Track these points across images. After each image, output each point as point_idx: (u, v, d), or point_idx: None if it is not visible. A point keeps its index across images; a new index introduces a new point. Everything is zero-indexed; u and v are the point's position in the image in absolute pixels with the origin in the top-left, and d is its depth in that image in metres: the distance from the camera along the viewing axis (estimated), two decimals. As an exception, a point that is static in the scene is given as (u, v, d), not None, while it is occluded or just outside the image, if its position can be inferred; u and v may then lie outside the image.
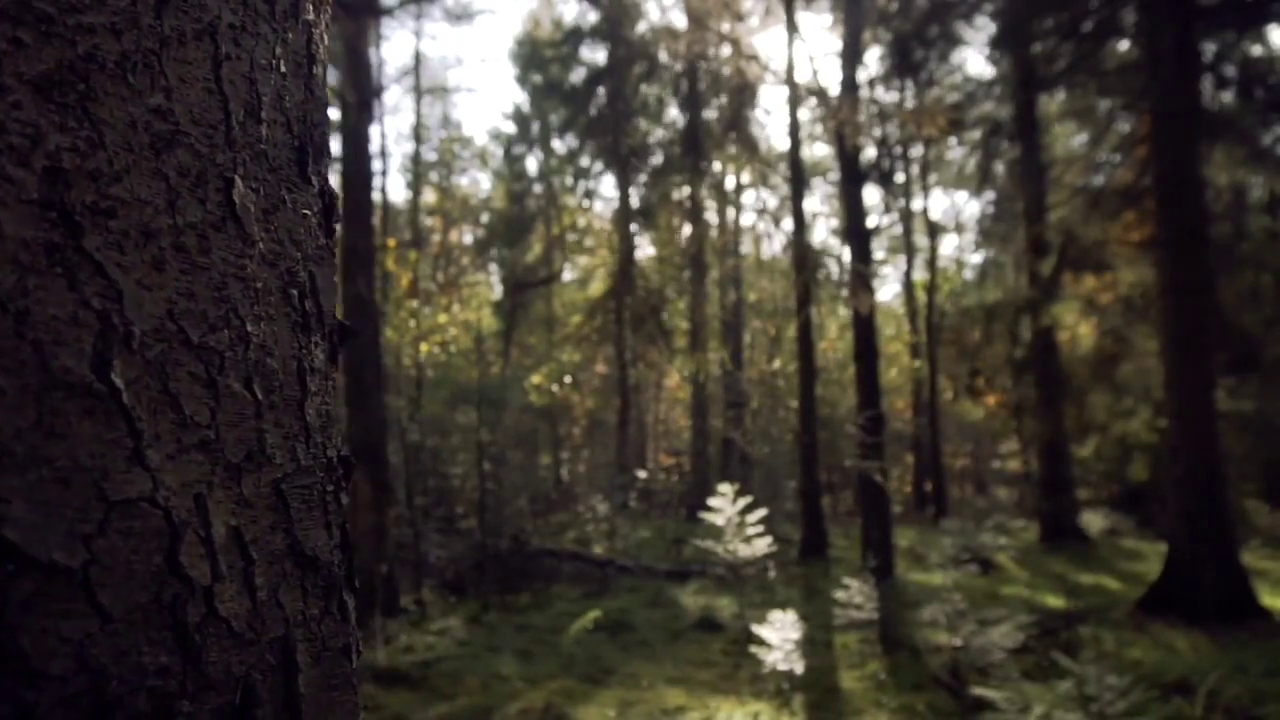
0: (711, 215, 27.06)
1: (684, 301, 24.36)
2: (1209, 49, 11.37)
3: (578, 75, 22.39)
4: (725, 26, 14.02)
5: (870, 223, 17.79)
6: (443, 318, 19.45)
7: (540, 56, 25.37)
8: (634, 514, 17.84)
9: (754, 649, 7.66)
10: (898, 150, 20.15)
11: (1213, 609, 8.98)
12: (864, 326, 12.87)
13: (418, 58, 31.56)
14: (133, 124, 0.56)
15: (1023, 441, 21.17)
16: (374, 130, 16.55)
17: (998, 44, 14.65)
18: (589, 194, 28.02)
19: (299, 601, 0.67)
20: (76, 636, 0.49)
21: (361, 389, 10.57)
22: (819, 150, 25.99)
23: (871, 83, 15.65)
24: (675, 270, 23.43)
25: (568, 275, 30.23)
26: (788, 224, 22.16)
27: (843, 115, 12.08)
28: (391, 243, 20.21)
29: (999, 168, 17.09)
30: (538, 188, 28.99)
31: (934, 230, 25.86)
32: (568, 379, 24.10)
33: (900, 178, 23.99)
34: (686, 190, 21.05)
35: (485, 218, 31.80)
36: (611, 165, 22.40)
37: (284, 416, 0.67)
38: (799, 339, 14.98)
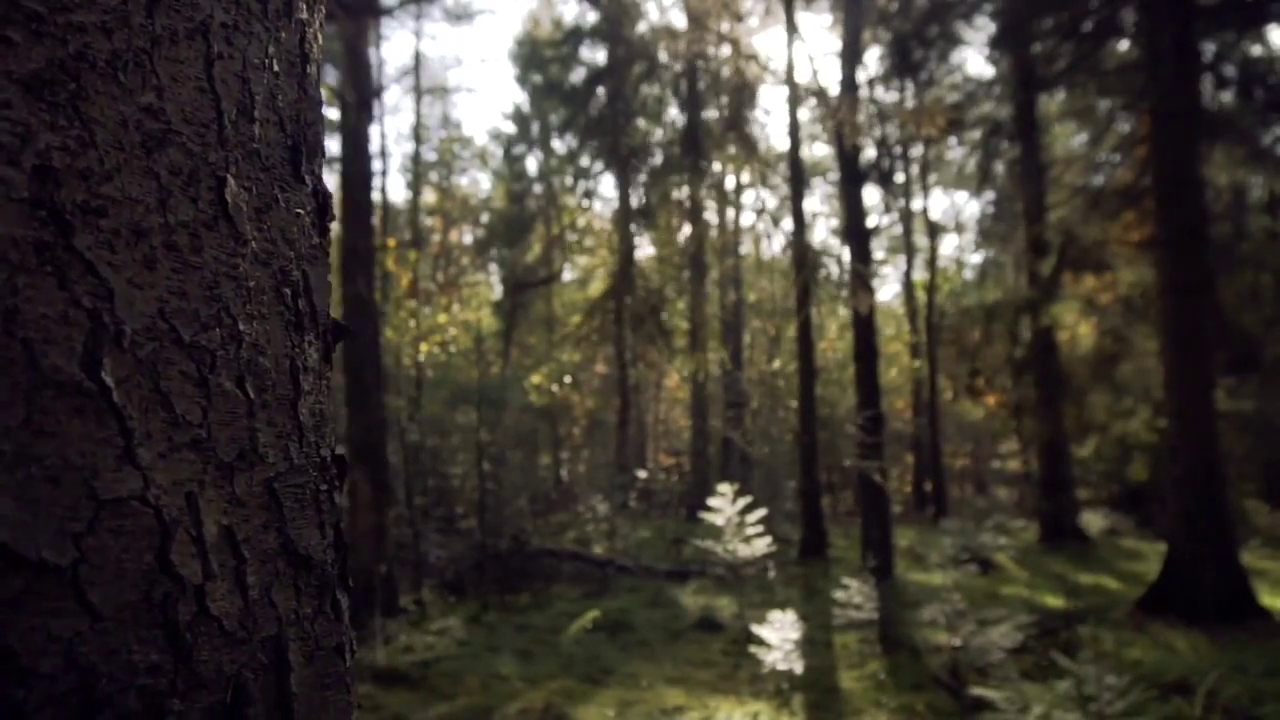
0: (711, 215, 27.07)
1: (684, 301, 24.36)
2: (1209, 49, 11.37)
3: (578, 75, 22.39)
4: (725, 27, 14.02)
5: (870, 223, 17.80)
6: (442, 318, 19.45)
7: (540, 56, 25.37)
8: (634, 514, 17.84)
9: (753, 649, 7.66)
10: (897, 150, 20.15)
11: (1212, 609, 8.98)
12: (864, 326, 12.87)
13: (418, 58, 31.58)
14: (124, 123, 0.56)
15: (1022, 441, 21.17)
16: (374, 130, 16.56)
17: (997, 44, 14.65)
18: (589, 194, 28.03)
19: (292, 600, 0.67)
20: (66, 635, 0.49)
21: (361, 389, 10.57)
22: (819, 150, 26.02)
23: (871, 83, 15.65)
24: (675, 270, 23.42)
25: (568, 275, 30.23)
26: (787, 224, 22.16)
27: (842, 115, 12.08)
28: (391, 243, 20.21)
29: (999, 168, 17.09)
30: (538, 188, 29.00)
31: (934, 230, 25.87)
32: (568, 379, 24.10)
33: (900, 178, 24.01)
34: (686, 190, 21.04)
35: (485, 218, 31.81)
36: (611, 165, 22.38)
37: (277, 415, 0.67)
38: (799, 339, 14.98)
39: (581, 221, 28.35)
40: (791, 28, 13.82)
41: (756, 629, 7.73)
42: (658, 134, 21.39)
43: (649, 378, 30.09)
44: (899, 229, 27.62)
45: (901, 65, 14.12)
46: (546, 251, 29.09)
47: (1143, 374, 15.72)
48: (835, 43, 26.61)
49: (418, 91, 25.66)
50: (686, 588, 11.76)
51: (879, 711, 6.72)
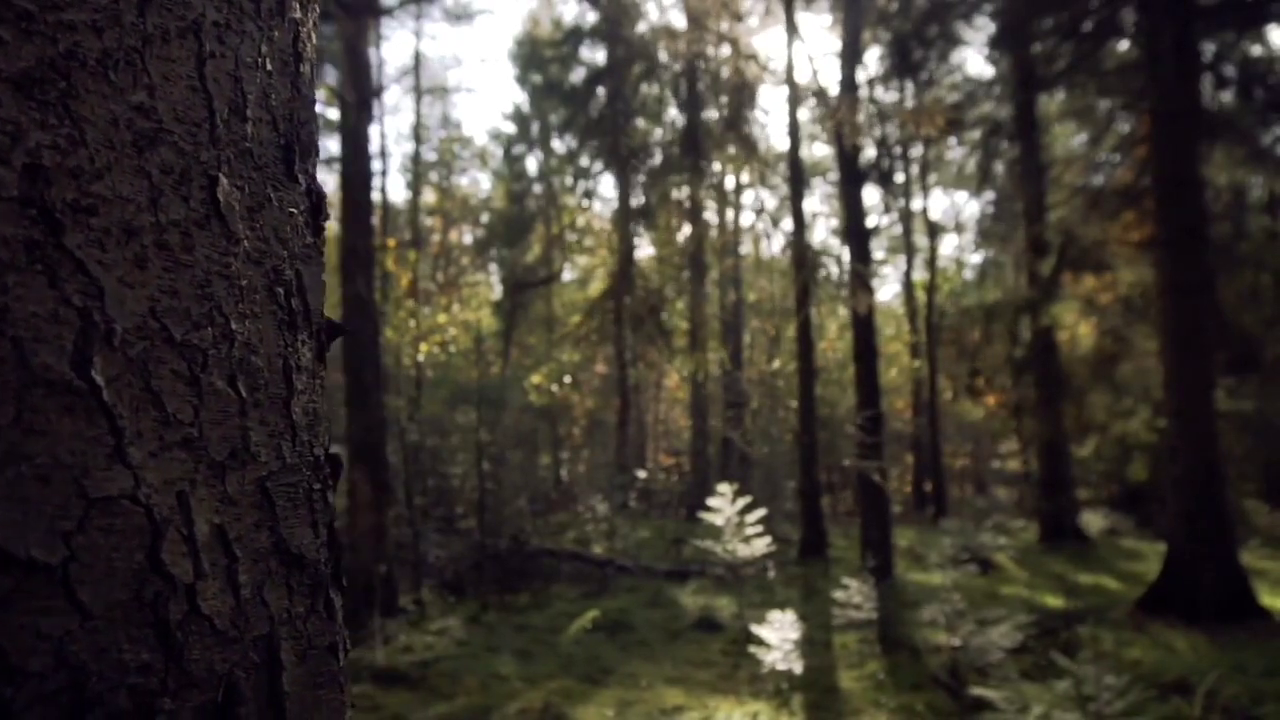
0: (711, 215, 27.07)
1: (683, 301, 24.36)
2: (1208, 49, 11.37)
3: (577, 75, 22.39)
4: (724, 26, 14.02)
5: (870, 223, 17.81)
6: (442, 318, 19.44)
7: (540, 56, 25.38)
8: (633, 514, 17.84)
9: (753, 649, 7.66)
10: (897, 150, 20.15)
11: (1212, 609, 8.98)
12: (863, 326, 12.87)
13: (417, 58, 31.58)
14: (114, 121, 0.56)
15: (1022, 441, 21.17)
16: (374, 130, 16.55)
17: (997, 44, 14.65)
18: (589, 194, 28.05)
19: (284, 599, 0.67)
20: (56, 633, 0.49)
21: (361, 389, 10.57)
22: (819, 150, 26.03)
23: (871, 83, 15.65)
24: (675, 270, 23.43)
25: (567, 275, 30.24)
26: (787, 224, 22.17)
27: (842, 115, 12.08)
28: (391, 243, 20.21)
29: (999, 168, 17.09)
30: (538, 188, 29.00)
31: (934, 230, 25.87)
32: (567, 379, 24.10)
33: (900, 178, 24.01)
34: (686, 190, 21.06)
35: (485, 218, 31.82)
36: (611, 165, 22.39)
37: (269, 414, 0.67)
38: (798, 339, 14.98)
39: (581, 221, 28.36)
40: (791, 28, 13.83)
41: (756, 629, 7.73)
42: (657, 134, 21.39)
43: (649, 378, 30.10)
44: (899, 229, 27.63)
45: (901, 65, 14.12)
46: (546, 251, 29.10)
47: (1143, 374, 15.72)
48: (835, 43, 26.61)
49: (418, 91, 25.67)
50: (686, 588, 11.76)
51: (878, 711, 6.72)
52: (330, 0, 10.51)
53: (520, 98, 37.63)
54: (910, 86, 16.91)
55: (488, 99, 58.86)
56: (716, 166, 23.36)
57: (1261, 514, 15.82)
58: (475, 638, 9.09)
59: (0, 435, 0.49)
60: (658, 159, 19.86)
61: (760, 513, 9.74)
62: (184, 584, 0.57)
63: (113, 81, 0.56)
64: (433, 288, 26.55)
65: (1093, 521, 17.20)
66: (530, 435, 21.26)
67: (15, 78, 0.51)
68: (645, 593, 11.55)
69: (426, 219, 29.15)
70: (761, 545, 9.52)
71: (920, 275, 25.88)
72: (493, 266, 32.18)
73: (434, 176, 29.38)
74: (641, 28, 18.65)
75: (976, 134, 16.70)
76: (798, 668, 7.25)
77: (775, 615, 7.62)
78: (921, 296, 25.29)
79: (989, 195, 20.38)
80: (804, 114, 17.16)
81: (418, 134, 26.21)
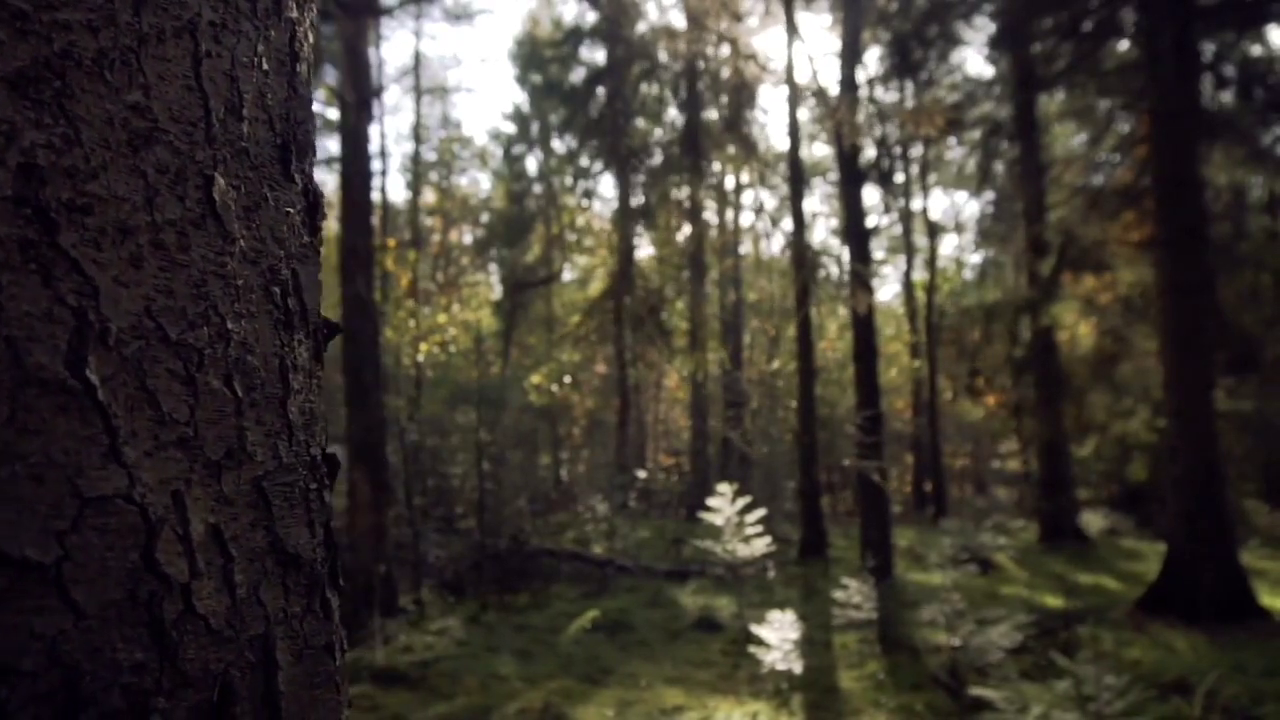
0: (711, 215, 27.08)
1: (683, 301, 24.36)
2: (1208, 49, 11.37)
3: (577, 75, 22.39)
4: (724, 26, 14.02)
5: (870, 223, 17.81)
6: (442, 318, 19.44)
7: (540, 56, 25.38)
8: (633, 514, 17.83)
9: (753, 649, 7.66)
10: (897, 150, 20.14)
11: (1212, 609, 8.98)
12: (863, 326, 12.87)
13: (417, 58, 31.60)
14: (110, 121, 0.56)
15: (1022, 441, 21.17)
16: (374, 130, 16.55)
17: (997, 44, 14.65)
18: (588, 194, 28.04)
19: (280, 599, 0.67)
20: (49, 633, 0.49)
21: (361, 389, 10.57)
22: (819, 150, 26.03)
23: (871, 83, 15.64)
24: (675, 270, 23.43)
25: (567, 275, 30.24)
26: (787, 224, 22.17)
27: (841, 115, 12.08)
28: (391, 243, 20.21)
29: (998, 168, 17.09)
30: (537, 188, 29.00)
31: (934, 230, 25.87)
32: (567, 379, 24.10)
33: (900, 178, 24.01)
34: (686, 190, 21.06)
35: (485, 218, 31.82)
36: (611, 165, 22.40)
37: (265, 414, 0.67)
38: (798, 339, 14.97)
39: (581, 221, 28.36)
40: (791, 28, 13.82)
41: (756, 629, 7.73)
42: (657, 134, 21.40)
43: (649, 378, 30.10)
44: (899, 229, 27.63)
45: (901, 65, 14.12)
46: (546, 251, 29.10)
47: (1142, 374, 15.72)
48: (835, 43, 26.60)
49: (417, 91, 25.68)
50: (686, 588, 11.76)
51: (878, 711, 6.72)
52: (330, 0, 10.51)
53: (520, 98, 37.65)
54: (910, 86, 16.90)
55: (488, 99, 58.88)
56: (716, 166, 23.37)
57: (1261, 514, 15.82)
58: (475, 638, 9.09)
59: (-6, 434, 0.49)
60: (658, 159, 19.87)
61: (760, 513, 9.74)
62: (179, 583, 0.56)
63: (108, 81, 0.56)
64: (433, 288, 26.56)
65: (1093, 521, 17.20)
66: (530, 435, 21.27)
67: (10, 77, 0.51)
68: (645, 593, 11.55)
69: (426, 219, 29.16)
70: (761, 545, 9.52)
71: (920, 275, 25.89)
72: (493, 266, 32.20)
73: (434, 176, 29.40)
74: (641, 28, 18.65)
75: (976, 134, 16.71)
76: (797, 668, 7.25)
77: (775, 615, 7.62)
78: (921, 296, 25.29)
79: (989, 195, 20.39)
80: (804, 114, 17.17)
81: (418, 134, 26.22)
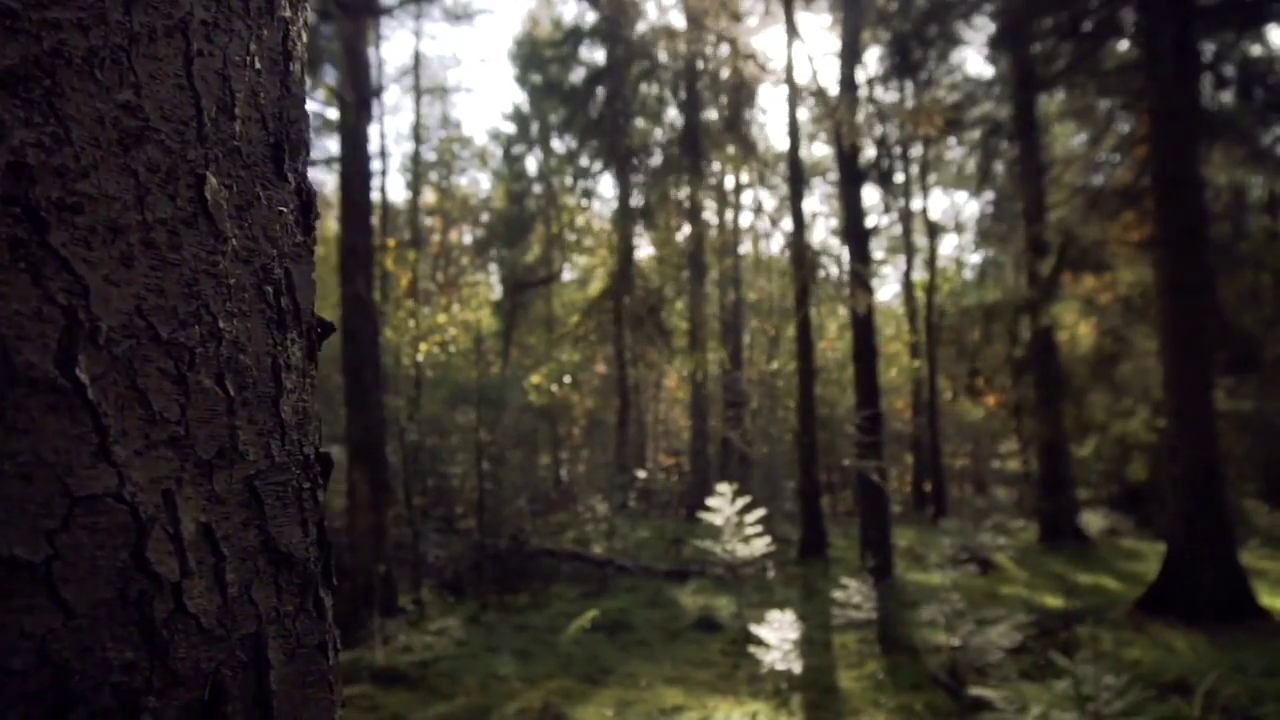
0: (711, 215, 27.08)
1: (683, 301, 24.36)
2: (1208, 49, 11.37)
3: (577, 75, 22.39)
4: (724, 26, 14.02)
5: (869, 223, 17.81)
6: (442, 318, 19.44)
7: (540, 56, 25.38)
8: (633, 514, 17.83)
9: (752, 649, 7.66)
10: (897, 150, 20.15)
11: (1211, 609, 8.98)
12: (862, 326, 12.87)
13: (417, 57, 31.61)
14: (100, 120, 0.56)
15: (1022, 441, 21.17)
16: (373, 130, 16.56)
17: (997, 44, 14.65)
18: (588, 194, 28.02)
19: (272, 598, 0.67)
20: (39, 631, 0.49)
21: (360, 389, 10.57)
22: (819, 150, 26.03)
23: (871, 83, 15.64)
24: (674, 270, 23.44)
25: (567, 275, 30.24)
26: (787, 224, 22.17)
27: (840, 115, 12.08)
28: (391, 243, 20.21)
29: (998, 168, 17.09)
30: (537, 188, 29.00)
31: (933, 230, 25.87)
32: (567, 379, 24.11)
33: (900, 178, 24.01)
34: (685, 190, 21.06)
35: (485, 218, 31.82)
36: (611, 165, 22.40)
37: (258, 413, 0.67)
38: (798, 339, 14.97)
39: (581, 221, 28.36)
40: (791, 28, 13.82)
41: (755, 629, 7.73)
42: (657, 134, 21.41)
43: (648, 378, 30.10)
44: (898, 229, 27.62)
45: (901, 65, 14.12)
46: (546, 251, 29.10)
47: (1142, 374, 15.72)
48: (835, 43, 26.60)
49: (417, 91, 25.67)
50: (685, 588, 11.76)
51: (877, 711, 6.72)
52: (329, 0, 10.51)
53: (520, 98, 37.64)
54: (910, 86, 16.90)
55: (487, 99, 58.85)
56: (716, 166, 23.38)
57: (1261, 514, 15.82)
58: (474, 638, 9.09)
59: (-17, 433, 0.49)
60: (657, 159, 19.87)
61: (760, 513, 9.74)
62: (170, 582, 0.56)
63: (99, 80, 0.56)
64: (433, 288, 26.56)
65: (1092, 521, 17.20)
66: (530, 435, 21.27)
67: (-1, 76, 0.51)
68: (645, 593, 11.55)
69: (426, 219, 29.16)
70: (761, 545, 9.52)
71: (920, 275, 25.88)
72: (492, 266, 32.20)
73: (434, 176, 29.39)
74: (641, 28, 18.65)
75: (976, 134, 16.71)
76: (797, 668, 7.25)
77: (774, 615, 7.62)
78: (921, 296, 25.29)
79: (989, 195, 20.39)
80: (803, 114, 17.18)
81: (417, 134, 26.22)
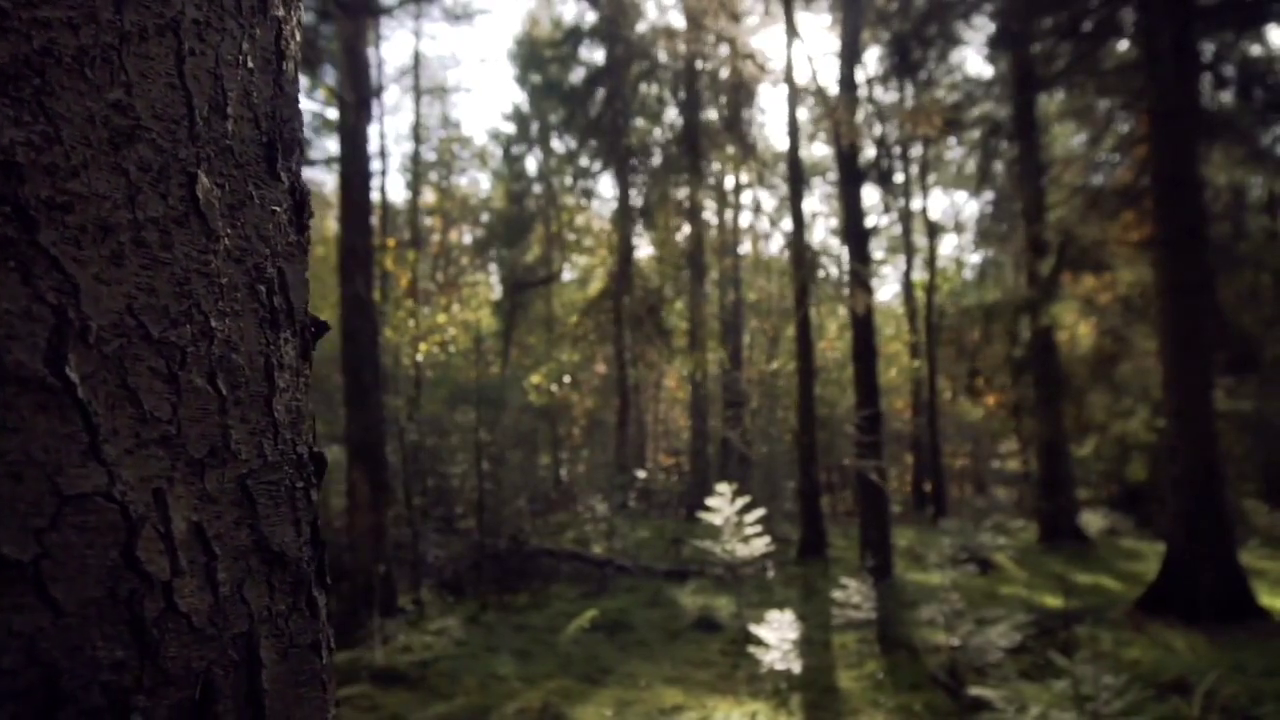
0: (710, 215, 27.08)
1: (683, 301, 24.37)
2: (1208, 49, 11.37)
3: (577, 75, 22.41)
4: (723, 26, 14.03)
5: (869, 223, 17.80)
6: (442, 318, 19.44)
7: (539, 56, 25.39)
8: (633, 514, 17.83)
9: (752, 649, 7.66)
10: (897, 150, 20.15)
11: (1211, 609, 8.98)
12: (862, 326, 12.87)
13: (417, 57, 31.63)
14: (91, 118, 0.56)
15: (1022, 441, 21.17)
16: (373, 130, 16.54)
17: (996, 44, 14.65)
18: (588, 194, 28.04)
19: (265, 597, 0.67)
20: (27, 630, 0.49)
21: (360, 389, 10.57)
22: (818, 150, 26.01)
23: (870, 83, 15.65)
24: (674, 270, 23.45)
25: (567, 275, 30.25)
26: (786, 224, 22.19)
27: (840, 115, 12.08)
28: (391, 242, 20.21)
29: (998, 167, 17.10)
30: (537, 188, 29.01)
31: (933, 230, 25.86)
32: (567, 379, 24.11)
33: (899, 177, 24.01)
34: (685, 190, 21.06)
35: (485, 218, 31.82)
36: (611, 165, 22.41)
37: (250, 412, 0.67)
38: (798, 339, 14.98)
39: (581, 221, 28.37)
40: (790, 27, 13.82)
41: (755, 629, 7.73)
42: (656, 134, 21.42)
43: (648, 378, 30.10)
44: (898, 229, 27.62)
45: (900, 65, 14.12)
46: (546, 251, 29.11)
47: (1142, 374, 15.72)
48: (834, 42, 26.61)
49: (417, 91, 25.66)
50: (685, 587, 11.76)
51: (877, 711, 6.72)
52: (329, 0, 10.51)
53: (520, 98, 37.65)
54: (910, 86, 16.90)
55: (487, 99, 58.84)
56: (715, 166, 23.39)
57: (1261, 514, 15.82)
58: (474, 638, 9.09)
59: (-27, 432, 0.49)
60: (657, 159, 19.88)
61: (759, 512, 9.74)
62: (160, 581, 0.56)
63: (89, 78, 0.56)
64: (432, 288, 26.56)
65: (1092, 521, 17.20)
66: (530, 435, 21.26)
67: (-11, 74, 0.51)
68: (644, 593, 11.55)
69: (426, 219, 29.16)
70: (760, 545, 9.52)
71: (920, 275, 25.88)
72: (492, 266, 32.20)
73: (433, 176, 29.39)
74: (641, 28, 18.66)
75: (976, 134, 16.71)
76: (796, 667, 7.25)
77: (774, 615, 7.62)
78: (921, 296, 25.29)
79: (988, 195, 20.38)
80: (803, 114, 17.18)
81: (417, 134, 26.21)
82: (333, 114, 15.45)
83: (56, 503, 0.51)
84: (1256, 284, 14.83)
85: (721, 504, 9.54)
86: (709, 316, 25.53)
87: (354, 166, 11.11)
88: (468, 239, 32.62)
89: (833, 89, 13.30)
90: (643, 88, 20.90)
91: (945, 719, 6.48)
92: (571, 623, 9.59)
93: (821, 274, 15.26)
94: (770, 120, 47.93)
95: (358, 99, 10.91)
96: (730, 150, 17.72)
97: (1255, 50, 12.91)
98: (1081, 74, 12.43)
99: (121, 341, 0.56)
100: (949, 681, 7.06)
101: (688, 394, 26.82)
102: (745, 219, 32.14)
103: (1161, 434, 12.58)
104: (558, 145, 27.68)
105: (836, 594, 9.10)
